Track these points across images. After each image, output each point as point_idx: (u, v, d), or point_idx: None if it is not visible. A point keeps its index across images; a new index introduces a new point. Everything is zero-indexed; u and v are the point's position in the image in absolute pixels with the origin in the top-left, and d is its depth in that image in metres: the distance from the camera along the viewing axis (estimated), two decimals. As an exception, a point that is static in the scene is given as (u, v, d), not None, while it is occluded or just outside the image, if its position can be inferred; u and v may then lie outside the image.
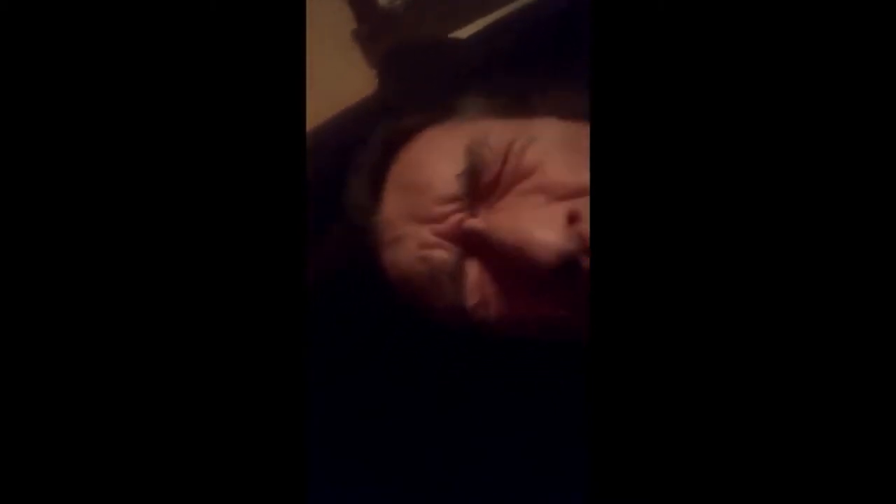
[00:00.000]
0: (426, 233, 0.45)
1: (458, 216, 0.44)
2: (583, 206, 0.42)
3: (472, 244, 0.44)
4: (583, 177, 0.42)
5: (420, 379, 0.42)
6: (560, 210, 0.42)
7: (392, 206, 0.46)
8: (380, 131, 0.49)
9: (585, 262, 0.41)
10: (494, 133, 0.45)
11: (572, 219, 0.41)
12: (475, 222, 0.44)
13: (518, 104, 0.48)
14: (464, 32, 0.59)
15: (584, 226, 0.42)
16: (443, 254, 0.44)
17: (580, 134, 0.43)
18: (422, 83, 0.53)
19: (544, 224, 0.41)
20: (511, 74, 0.51)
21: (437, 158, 0.46)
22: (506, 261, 0.43)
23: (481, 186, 0.45)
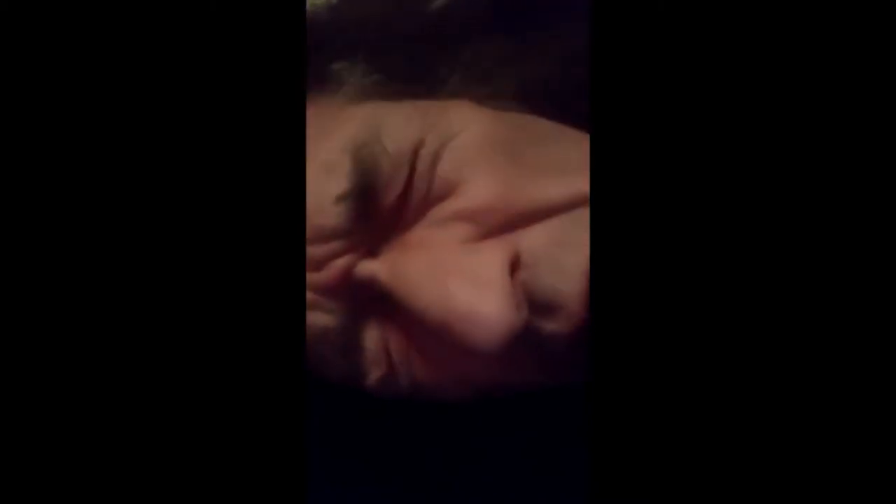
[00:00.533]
0: None
1: (343, 260, 0.30)
2: (525, 243, 0.31)
3: (369, 297, 0.31)
4: (522, 197, 0.31)
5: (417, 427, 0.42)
6: (496, 253, 0.30)
7: None
8: None
9: (541, 323, 0.30)
10: (392, 125, 0.31)
11: (514, 264, 0.30)
12: (372, 268, 0.31)
13: (417, 75, 0.34)
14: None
15: (529, 273, 0.30)
16: (323, 319, 0.31)
17: (515, 132, 0.33)
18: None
19: (478, 282, 0.29)
20: (405, 37, 0.34)
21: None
22: (429, 334, 0.30)
23: (377, 212, 0.31)
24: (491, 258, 0.30)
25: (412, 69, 0.34)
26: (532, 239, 0.31)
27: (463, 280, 0.29)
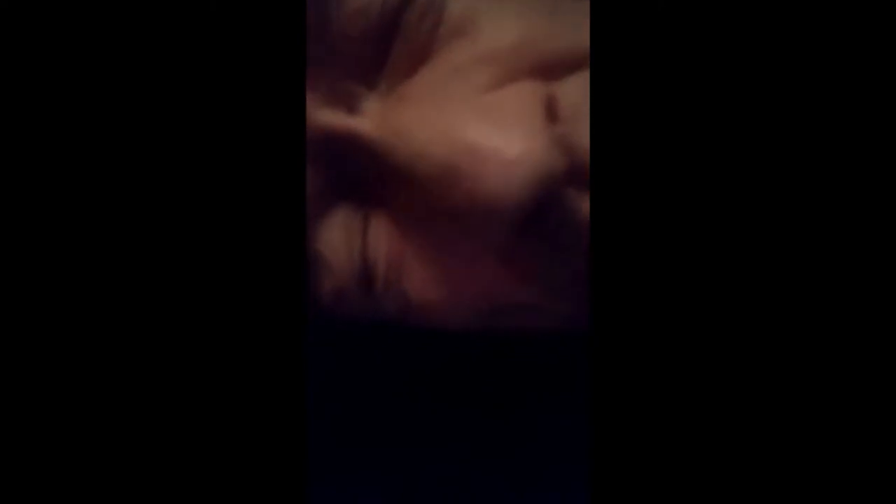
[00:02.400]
0: None
1: (316, 114, 0.23)
2: (561, 93, 0.24)
3: (358, 161, 0.24)
4: (554, 41, 0.24)
5: (420, 380, 0.42)
6: (527, 96, 0.24)
7: None
8: None
9: (578, 201, 0.23)
10: None
11: (551, 112, 0.24)
12: (349, 123, 0.24)
13: None
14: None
15: (569, 128, 0.24)
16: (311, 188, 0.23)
17: None
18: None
19: (500, 117, 0.23)
20: None
21: None
22: (429, 198, 0.24)
23: (369, 48, 0.24)
24: (520, 94, 0.24)
25: None
26: (569, 90, 0.25)
27: (479, 116, 0.23)
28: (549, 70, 0.24)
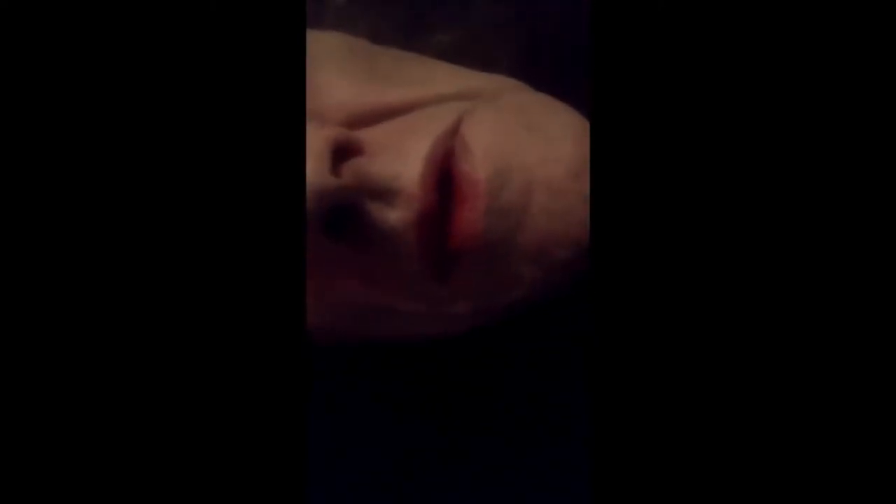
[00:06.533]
0: None
1: None
2: (370, 134, 0.32)
3: None
4: (370, 97, 0.33)
5: (420, 385, 0.42)
6: (321, 126, 0.31)
7: None
8: None
9: (384, 212, 0.31)
10: None
11: (340, 149, 0.31)
12: None
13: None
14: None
15: (368, 159, 0.32)
16: None
17: (378, 52, 0.36)
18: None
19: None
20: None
21: None
22: None
23: None
24: (323, 139, 0.30)
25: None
26: (377, 131, 0.33)
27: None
28: (360, 122, 0.32)
